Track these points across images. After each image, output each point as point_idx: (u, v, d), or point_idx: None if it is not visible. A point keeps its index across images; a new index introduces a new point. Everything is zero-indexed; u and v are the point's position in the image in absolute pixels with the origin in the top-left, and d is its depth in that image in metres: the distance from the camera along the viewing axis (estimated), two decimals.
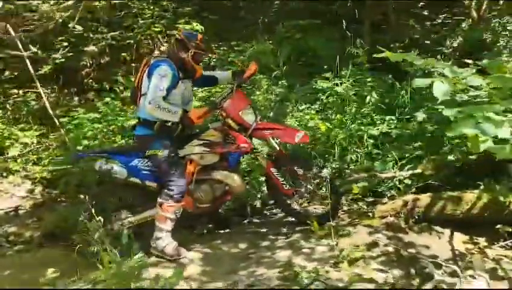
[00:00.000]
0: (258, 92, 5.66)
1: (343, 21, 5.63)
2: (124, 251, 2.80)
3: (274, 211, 4.31)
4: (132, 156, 3.46)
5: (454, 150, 3.87)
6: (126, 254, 2.73)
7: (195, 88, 3.95)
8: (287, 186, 3.62)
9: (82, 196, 3.09)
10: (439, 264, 2.71)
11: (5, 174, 4.93)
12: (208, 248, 3.56)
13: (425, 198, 3.56)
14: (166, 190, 3.35)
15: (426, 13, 6.72)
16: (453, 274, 2.61)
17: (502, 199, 3.36)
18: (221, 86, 4.70)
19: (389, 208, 3.60)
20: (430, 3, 6.77)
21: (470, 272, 2.69)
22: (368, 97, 4.71)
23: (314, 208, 3.95)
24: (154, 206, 3.42)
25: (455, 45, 6.65)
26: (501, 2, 6.45)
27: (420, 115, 3.96)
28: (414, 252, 2.94)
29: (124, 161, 3.45)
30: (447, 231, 3.42)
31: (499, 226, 3.28)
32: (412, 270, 2.70)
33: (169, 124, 3.39)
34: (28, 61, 5.31)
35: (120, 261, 2.45)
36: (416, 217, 3.51)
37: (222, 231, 3.93)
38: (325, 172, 3.62)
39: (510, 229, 3.31)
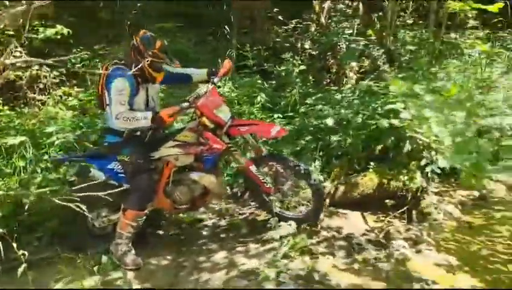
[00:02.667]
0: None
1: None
2: None
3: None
4: (109, 159, 3.46)
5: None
6: None
7: (163, 86, 3.81)
8: (268, 184, 3.52)
9: None
10: (369, 239, 3.17)
11: None
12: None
13: (328, 185, 4.04)
14: (130, 197, 3.29)
15: (281, 18, 7.37)
16: (382, 245, 3.11)
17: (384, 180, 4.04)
18: None
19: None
20: (283, 9, 7.44)
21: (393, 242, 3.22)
22: (258, 97, 5.01)
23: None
24: None
25: (307, 46, 7.47)
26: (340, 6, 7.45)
27: (329, 121, 4.33)
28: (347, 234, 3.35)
29: (100, 165, 3.48)
30: (349, 212, 3.96)
31: (386, 201, 3.96)
32: (352, 249, 3.10)
33: (138, 133, 3.32)
34: None
35: None
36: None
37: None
38: (314, 176, 3.61)
39: (394, 202, 4.01)
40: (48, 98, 5.59)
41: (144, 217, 3.41)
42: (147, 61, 3.23)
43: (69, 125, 4.64)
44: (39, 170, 4.13)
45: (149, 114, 3.21)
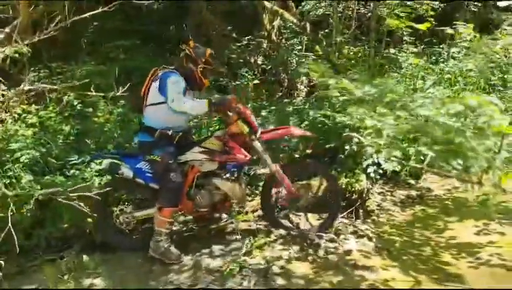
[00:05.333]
0: (99, 114, 5.64)
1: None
2: None
3: None
4: (139, 158, 3.68)
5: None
6: None
7: None
8: (293, 187, 3.74)
9: None
10: (321, 235, 3.53)
11: None
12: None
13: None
14: (164, 195, 3.51)
15: (235, 36, 7.75)
16: (332, 240, 3.48)
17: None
18: None
19: (255, 203, 4.30)
20: (236, 27, 7.83)
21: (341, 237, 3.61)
22: None
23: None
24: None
25: (259, 62, 7.88)
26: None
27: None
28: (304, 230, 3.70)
29: (131, 163, 3.69)
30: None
31: None
32: (305, 244, 3.45)
33: (170, 132, 3.56)
34: None
35: None
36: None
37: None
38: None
39: (343, 203, 4.41)
40: (7, 116, 5.62)
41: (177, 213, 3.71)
42: (200, 67, 3.58)
43: (32, 143, 4.75)
44: (3, 187, 4.21)
45: (204, 100, 3.50)
